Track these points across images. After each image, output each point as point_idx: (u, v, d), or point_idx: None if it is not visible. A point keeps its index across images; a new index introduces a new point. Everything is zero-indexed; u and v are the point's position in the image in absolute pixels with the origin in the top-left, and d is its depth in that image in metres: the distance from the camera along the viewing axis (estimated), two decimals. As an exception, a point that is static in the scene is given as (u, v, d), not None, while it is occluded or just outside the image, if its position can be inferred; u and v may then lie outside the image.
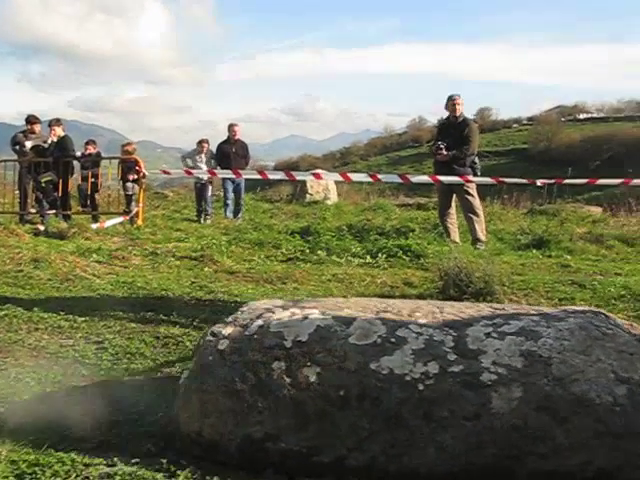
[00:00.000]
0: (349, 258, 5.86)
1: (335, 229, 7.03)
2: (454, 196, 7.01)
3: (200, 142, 10.16)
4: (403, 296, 4.02)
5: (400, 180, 8.14)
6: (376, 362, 1.62)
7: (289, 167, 39.88)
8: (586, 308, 1.78)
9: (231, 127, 10.14)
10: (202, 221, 9.48)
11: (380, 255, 5.85)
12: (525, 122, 51.89)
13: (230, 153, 9.82)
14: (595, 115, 49.73)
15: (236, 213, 9.95)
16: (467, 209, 6.95)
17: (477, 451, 1.52)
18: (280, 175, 9.12)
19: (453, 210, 7.09)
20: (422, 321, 1.70)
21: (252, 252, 6.22)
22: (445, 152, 6.88)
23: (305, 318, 1.76)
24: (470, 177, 6.81)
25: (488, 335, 1.62)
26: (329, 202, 12.27)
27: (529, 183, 7.20)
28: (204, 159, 10.04)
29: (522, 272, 5.15)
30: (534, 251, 6.79)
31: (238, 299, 3.95)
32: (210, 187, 10.15)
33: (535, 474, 1.50)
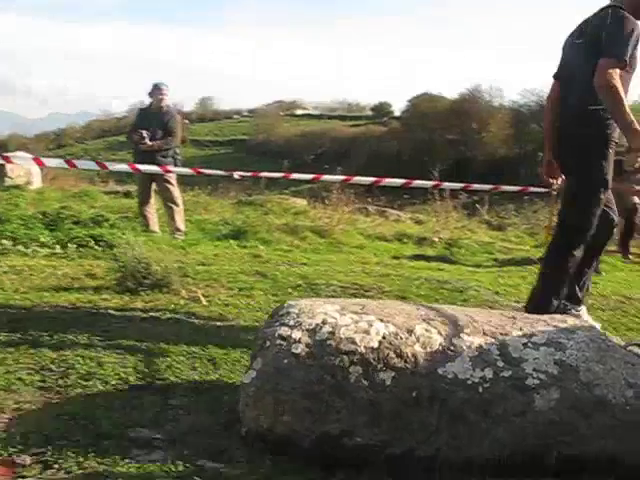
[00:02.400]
0: (36, 248, 5.54)
1: (27, 217, 6.56)
2: (154, 185, 7.20)
3: None
4: (82, 288, 4.05)
5: (97, 167, 7.97)
6: (443, 367, 1.90)
7: (-3, 146, 36.05)
8: (577, 322, 2.24)
9: None
10: None
11: (70, 245, 5.64)
12: (246, 114, 53.73)
13: None
14: (311, 112, 53.41)
15: None
16: (167, 199, 7.19)
17: (521, 442, 1.88)
18: None
19: (153, 200, 7.29)
20: (468, 330, 2.01)
21: None
22: (149, 142, 6.98)
23: (369, 325, 1.98)
24: (170, 167, 6.98)
25: (525, 345, 1.98)
26: (32, 187, 11.20)
27: (227, 175, 7.43)
28: None
29: (213, 262, 5.36)
30: (231, 241, 7.11)
31: None
32: None
33: (561, 459, 1.90)
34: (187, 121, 44.76)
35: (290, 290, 4.39)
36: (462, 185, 8.93)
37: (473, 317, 2.11)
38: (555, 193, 8.10)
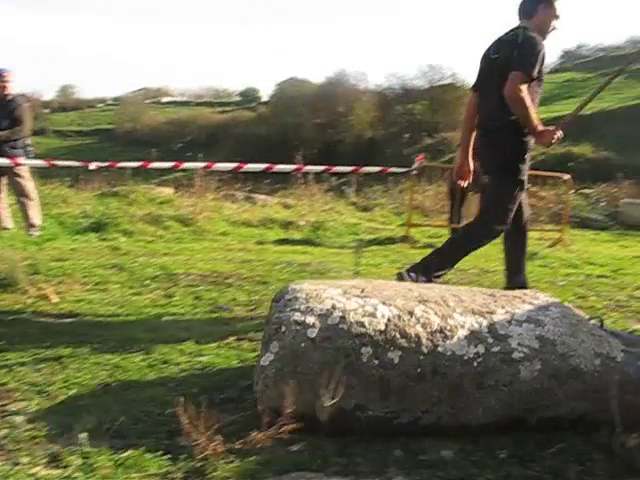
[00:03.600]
0: None
1: None
2: (4, 179, 6.95)
3: None
4: None
5: None
6: (442, 346, 2.11)
7: None
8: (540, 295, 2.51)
9: None
10: None
11: None
12: (110, 102, 52.35)
13: None
14: (178, 99, 52.83)
15: None
16: (19, 193, 6.95)
17: (509, 407, 2.14)
18: None
19: (4, 194, 7.04)
20: (459, 310, 2.23)
21: None
22: None
23: (375, 309, 2.15)
24: (20, 159, 6.70)
25: (510, 322, 2.22)
26: None
27: (83, 166, 7.01)
28: None
29: (69, 258, 5.25)
30: (91, 235, 7.14)
31: None
32: None
33: (540, 419, 2.17)
34: (48, 110, 42.66)
35: (148, 282, 4.38)
36: (324, 168, 9.10)
37: (460, 297, 2.33)
38: (415, 173, 8.49)
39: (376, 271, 5.40)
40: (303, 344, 2.04)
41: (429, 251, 6.89)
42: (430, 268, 3.70)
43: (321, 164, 10.07)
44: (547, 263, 6.83)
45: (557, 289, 4.99)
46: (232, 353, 2.95)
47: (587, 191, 16.08)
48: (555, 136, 3.69)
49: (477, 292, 2.46)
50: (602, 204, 15.41)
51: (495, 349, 2.15)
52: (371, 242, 8.00)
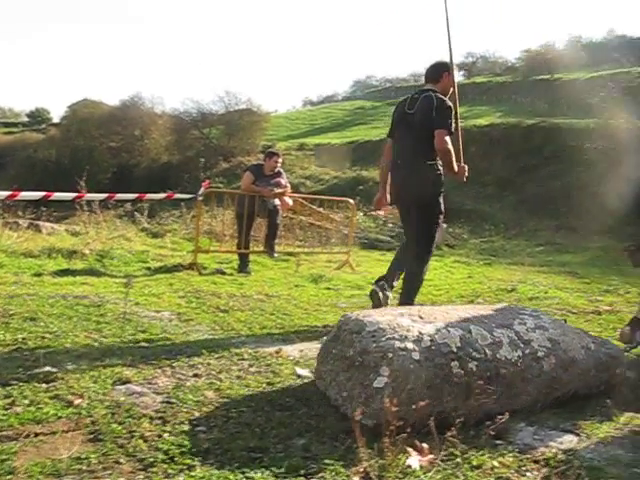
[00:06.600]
0: None
1: None
2: None
3: None
4: None
5: None
6: (498, 353, 2.81)
7: None
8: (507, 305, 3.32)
9: None
10: None
11: None
12: None
13: None
14: None
15: None
16: None
17: (539, 393, 2.91)
18: None
19: None
20: (494, 325, 2.95)
21: None
22: None
23: (448, 331, 2.79)
24: None
25: (528, 331, 3.00)
26: None
27: None
28: None
29: None
30: None
31: None
32: None
33: (552, 398, 2.98)
34: None
35: None
36: (106, 195, 9.10)
37: (482, 314, 3.06)
38: (201, 198, 8.73)
39: (157, 301, 5.33)
40: (412, 365, 2.59)
41: (216, 278, 7.20)
42: (411, 296, 4.48)
43: (110, 190, 9.85)
44: (332, 285, 7.18)
45: (339, 311, 5.25)
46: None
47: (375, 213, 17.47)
48: (466, 170, 4.64)
49: (482, 309, 3.21)
50: (390, 225, 16.96)
51: (527, 351, 2.90)
52: (158, 270, 7.86)
